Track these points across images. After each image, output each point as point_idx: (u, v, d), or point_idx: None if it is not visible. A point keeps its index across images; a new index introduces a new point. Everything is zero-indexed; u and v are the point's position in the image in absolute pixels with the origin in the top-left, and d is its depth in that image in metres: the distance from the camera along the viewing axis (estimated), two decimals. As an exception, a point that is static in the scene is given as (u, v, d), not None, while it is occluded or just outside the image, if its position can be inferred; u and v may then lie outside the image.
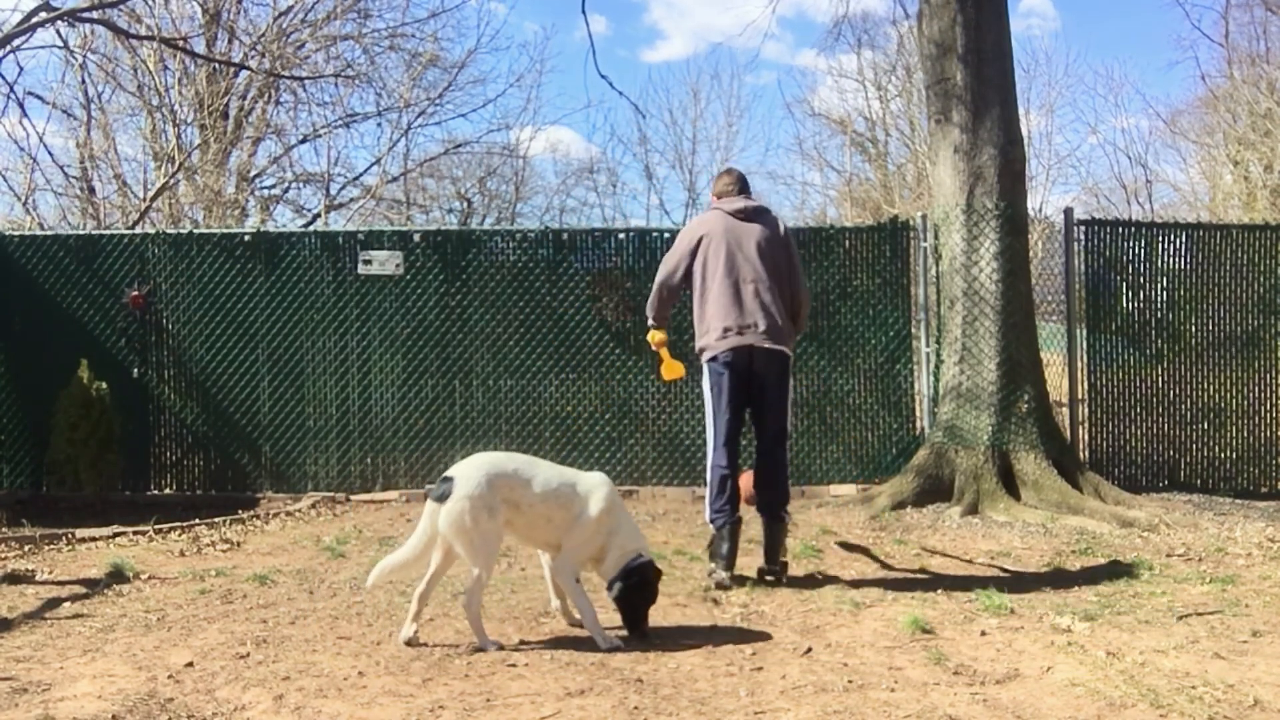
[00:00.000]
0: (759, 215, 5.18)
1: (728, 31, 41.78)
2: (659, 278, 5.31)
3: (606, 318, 8.44)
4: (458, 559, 4.15)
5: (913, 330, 8.49)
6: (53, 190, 15.29)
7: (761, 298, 5.03)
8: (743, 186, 5.29)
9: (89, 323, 8.46)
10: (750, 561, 5.36)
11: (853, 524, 6.87)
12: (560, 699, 3.51)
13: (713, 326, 5.09)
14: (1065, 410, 8.31)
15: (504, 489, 4.05)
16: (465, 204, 20.65)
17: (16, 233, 9.35)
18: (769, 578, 5.09)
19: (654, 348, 5.51)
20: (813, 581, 5.27)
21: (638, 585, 4.18)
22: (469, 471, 4.05)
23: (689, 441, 8.34)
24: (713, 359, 5.11)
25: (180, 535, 6.70)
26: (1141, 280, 8.54)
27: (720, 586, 4.97)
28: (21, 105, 11.17)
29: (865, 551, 6.03)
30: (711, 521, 5.13)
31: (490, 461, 4.14)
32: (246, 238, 8.58)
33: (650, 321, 5.46)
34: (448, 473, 4.11)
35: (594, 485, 4.26)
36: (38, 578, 5.49)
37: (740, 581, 5.06)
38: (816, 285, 8.35)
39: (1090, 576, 5.34)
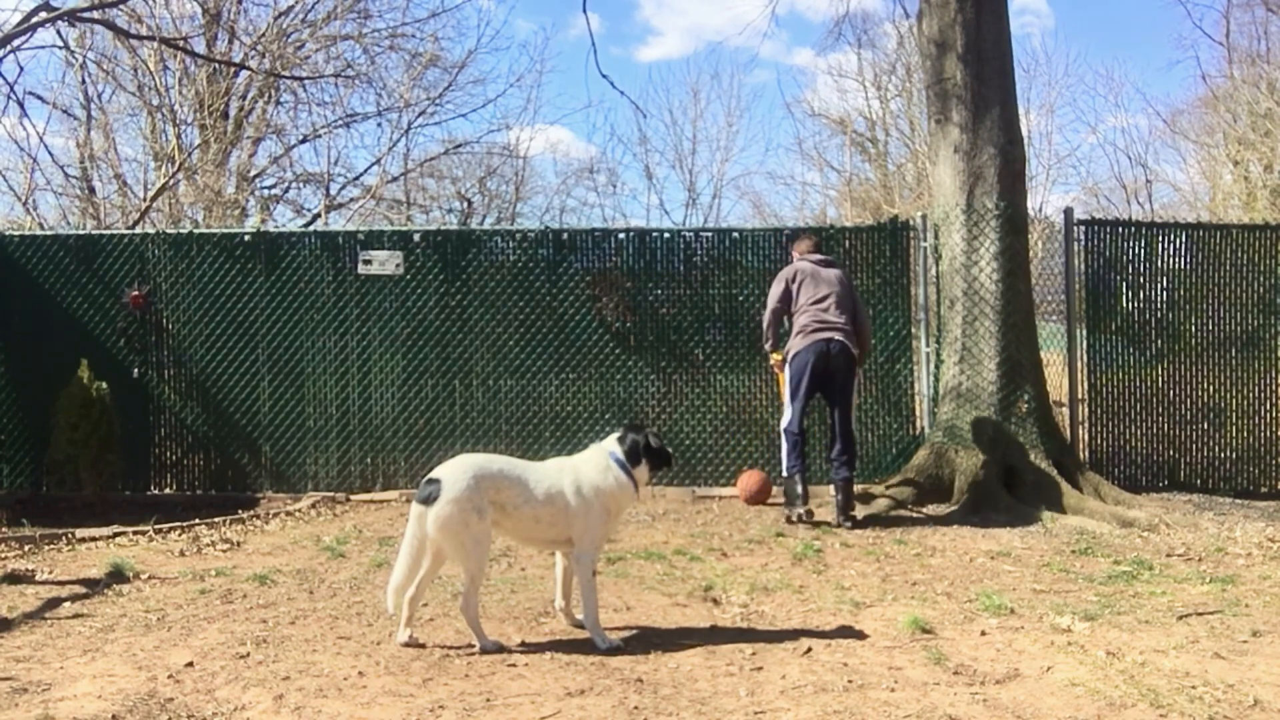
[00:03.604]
0: (832, 264, 7.21)
1: (723, 30, 41.80)
2: (772, 307, 7.07)
3: (606, 318, 8.43)
4: (447, 559, 4.14)
5: (913, 330, 8.48)
6: (53, 190, 15.29)
7: (838, 311, 6.90)
8: (819, 247, 7.39)
9: (89, 323, 8.45)
10: (749, 561, 5.33)
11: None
12: (560, 699, 3.51)
13: (804, 330, 6.89)
14: (1065, 410, 8.30)
15: (490, 490, 4.03)
16: (465, 204, 20.62)
17: (16, 233, 9.34)
18: (845, 525, 6.67)
19: (777, 367, 7.19)
20: (813, 580, 5.28)
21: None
22: (454, 474, 4.02)
23: (689, 441, 8.34)
24: (798, 354, 6.88)
25: (180, 535, 6.70)
26: (1141, 280, 8.53)
27: (801, 521, 6.77)
28: (21, 105, 11.11)
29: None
30: (788, 472, 6.97)
31: (475, 463, 4.11)
32: (246, 238, 8.58)
33: (769, 346, 7.21)
34: (432, 475, 4.08)
35: (562, 470, 4.23)
36: (38, 578, 5.49)
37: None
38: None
39: (1090, 576, 5.35)
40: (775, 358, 7.15)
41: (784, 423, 7.04)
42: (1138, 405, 8.35)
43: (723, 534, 6.57)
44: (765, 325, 7.17)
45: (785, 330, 7.16)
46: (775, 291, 7.09)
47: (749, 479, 7.75)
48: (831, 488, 6.93)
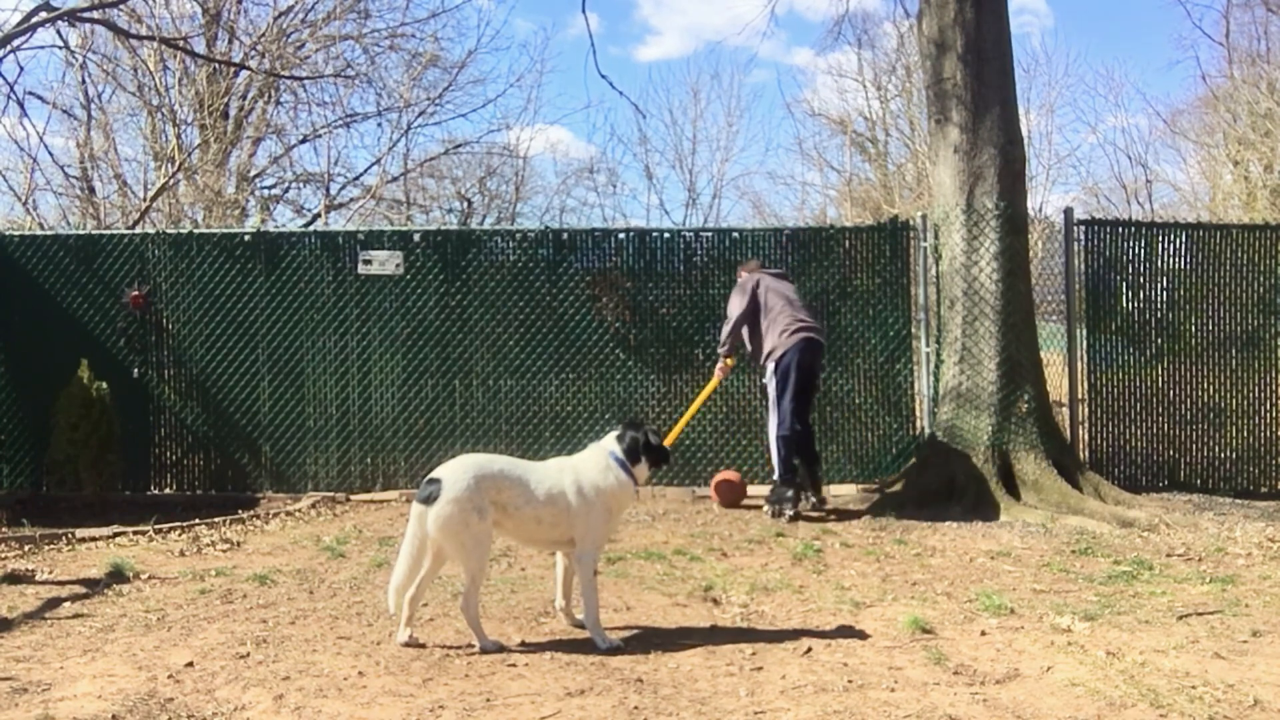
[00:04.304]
0: (787, 277, 7.68)
1: (722, 29, 41.74)
2: (736, 316, 7.23)
3: (606, 318, 8.43)
4: (448, 559, 4.14)
5: (913, 330, 8.48)
6: (53, 190, 15.30)
7: (809, 314, 7.32)
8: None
9: (89, 323, 8.45)
10: (749, 561, 5.33)
11: (853, 524, 6.87)
12: (560, 699, 3.51)
13: (786, 330, 7.07)
14: (1065, 410, 8.30)
15: (491, 490, 4.02)
16: (465, 204, 20.62)
17: (16, 233, 9.34)
18: (817, 505, 7.24)
19: (722, 373, 7.39)
20: (813, 580, 5.28)
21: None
22: (455, 473, 4.01)
23: (689, 441, 8.33)
24: (785, 353, 7.03)
25: (180, 535, 6.70)
26: (1141, 280, 8.53)
27: (792, 519, 6.97)
28: (21, 105, 11.10)
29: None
30: (783, 479, 7.13)
31: (476, 463, 4.11)
32: (246, 238, 8.58)
33: (724, 350, 7.34)
34: (433, 474, 4.08)
35: (563, 470, 4.22)
36: (38, 578, 5.49)
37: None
38: (816, 285, 8.36)
39: (1090, 576, 5.35)
40: (729, 362, 7.38)
41: (775, 427, 7.16)
42: (1138, 405, 8.35)
43: (723, 534, 6.58)
44: (727, 332, 7.30)
45: (742, 343, 7.43)
46: (738, 302, 7.28)
47: (725, 481, 7.69)
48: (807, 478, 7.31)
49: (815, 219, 21.21)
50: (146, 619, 4.59)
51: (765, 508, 7.25)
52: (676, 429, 7.33)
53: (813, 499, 7.25)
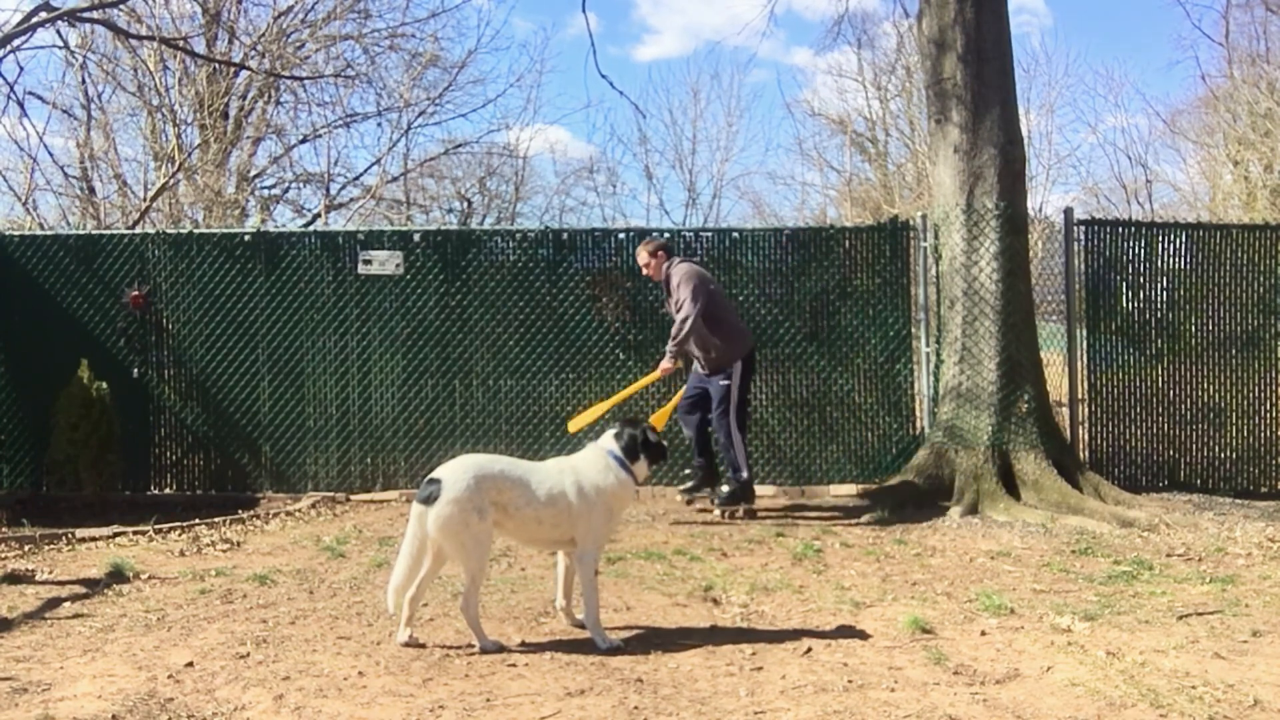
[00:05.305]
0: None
1: (721, 29, 41.72)
2: (700, 310, 6.76)
3: (606, 318, 8.43)
4: (448, 559, 4.14)
5: (913, 330, 8.48)
6: (53, 190, 15.30)
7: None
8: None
9: (89, 323, 8.45)
10: (749, 561, 5.34)
11: (853, 524, 6.87)
12: (560, 699, 3.51)
13: (742, 338, 7.07)
14: (1065, 410, 8.30)
15: (491, 491, 4.02)
16: (465, 204, 20.63)
17: (16, 233, 9.34)
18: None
19: (665, 374, 7.07)
20: (813, 580, 5.28)
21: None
22: (455, 474, 4.02)
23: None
24: (749, 354, 7.04)
25: (180, 535, 6.70)
26: (1141, 280, 8.53)
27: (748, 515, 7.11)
28: (21, 105, 11.10)
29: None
30: (747, 471, 7.13)
31: (476, 463, 4.11)
32: (246, 238, 8.57)
33: (677, 347, 6.90)
34: (433, 475, 4.08)
35: (563, 471, 4.23)
36: (38, 578, 5.49)
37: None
38: (816, 285, 8.36)
39: (1090, 576, 5.35)
40: (679, 364, 7.13)
41: (737, 426, 7.04)
42: (1138, 405, 8.35)
43: (723, 534, 6.58)
44: (688, 330, 6.77)
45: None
46: (699, 292, 6.79)
47: None
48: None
49: (815, 219, 21.20)
50: (146, 619, 4.59)
51: (716, 511, 7.20)
52: (588, 416, 6.89)
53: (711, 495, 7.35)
